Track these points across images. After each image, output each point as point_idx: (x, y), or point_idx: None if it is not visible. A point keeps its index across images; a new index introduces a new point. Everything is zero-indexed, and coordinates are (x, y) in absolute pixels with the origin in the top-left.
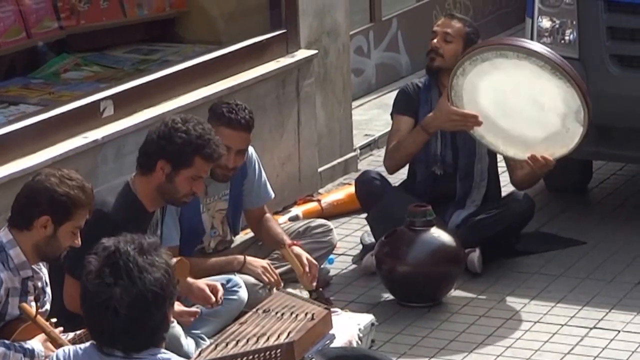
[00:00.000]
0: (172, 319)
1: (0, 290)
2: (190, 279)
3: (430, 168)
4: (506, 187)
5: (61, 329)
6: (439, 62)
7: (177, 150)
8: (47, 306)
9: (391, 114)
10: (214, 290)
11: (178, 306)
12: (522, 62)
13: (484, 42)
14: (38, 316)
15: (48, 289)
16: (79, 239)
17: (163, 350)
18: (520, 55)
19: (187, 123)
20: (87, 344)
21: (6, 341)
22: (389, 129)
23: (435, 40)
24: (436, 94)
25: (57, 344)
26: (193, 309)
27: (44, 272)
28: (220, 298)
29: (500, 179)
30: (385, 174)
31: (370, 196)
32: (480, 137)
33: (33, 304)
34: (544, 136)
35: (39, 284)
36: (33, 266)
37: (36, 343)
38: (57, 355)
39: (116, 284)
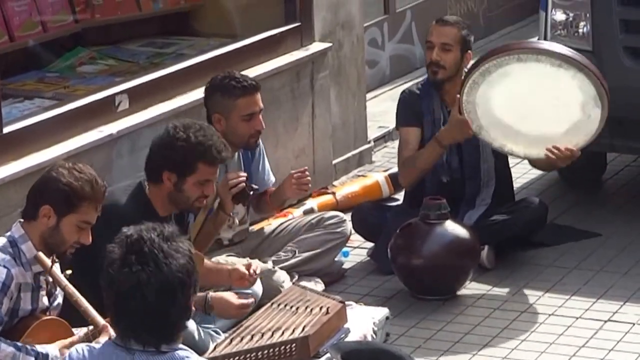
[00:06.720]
0: (193, 308)
1: (12, 287)
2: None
3: (438, 176)
4: (519, 185)
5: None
6: (442, 75)
7: (179, 159)
8: (59, 300)
9: (396, 127)
10: (247, 267)
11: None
12: (529, 64)
13: (488, 52)
14: (53, 268)
15: None
16: (89, 236)
17: (181, 345)
18: (526, 57)
19: (188, 130)
20: (102, 342)
21: (18, 343)
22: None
23: (434, 54)
24: (438, 102)
25: (73, 300)
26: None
27: (57, 266)
28: (255, 269)
29: (513, 175)
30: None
31: (368, 232)
32: (501, 146)
33: (51, 278)
34: (566, 129)
35: (51, 279)
36: None
37: (52, 348)
38: (70, 356)
39: (143, 270)
